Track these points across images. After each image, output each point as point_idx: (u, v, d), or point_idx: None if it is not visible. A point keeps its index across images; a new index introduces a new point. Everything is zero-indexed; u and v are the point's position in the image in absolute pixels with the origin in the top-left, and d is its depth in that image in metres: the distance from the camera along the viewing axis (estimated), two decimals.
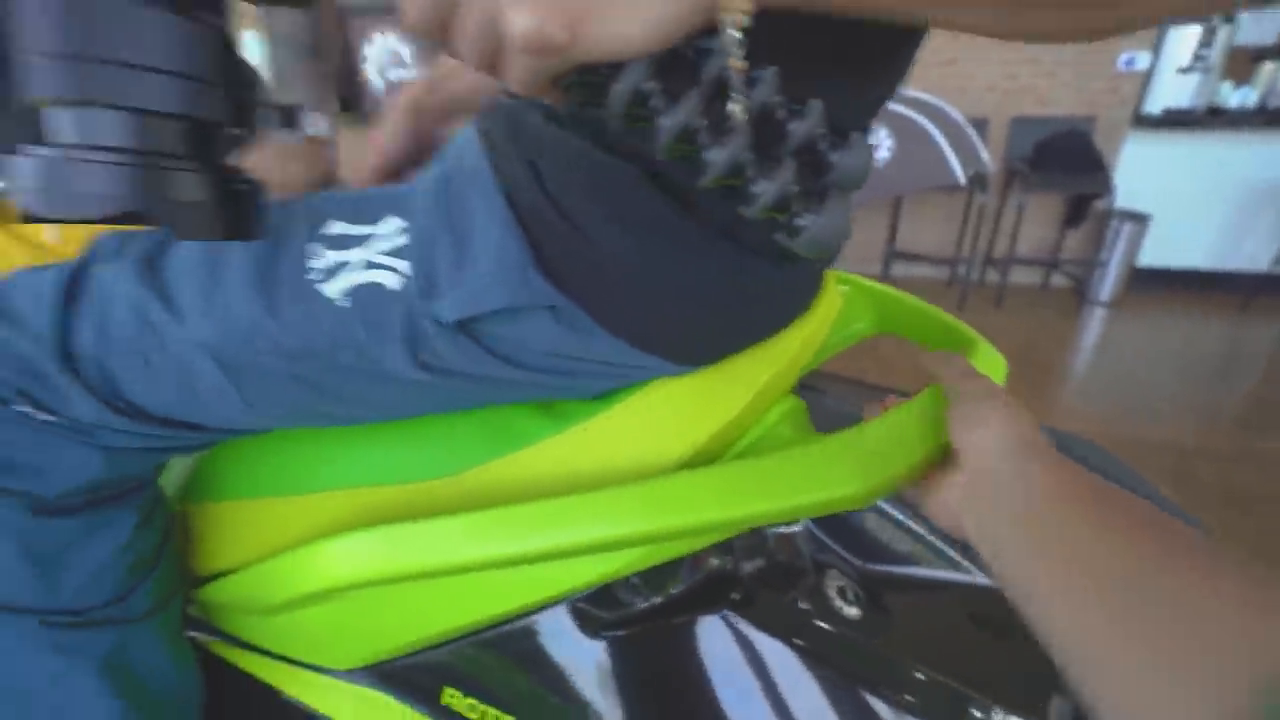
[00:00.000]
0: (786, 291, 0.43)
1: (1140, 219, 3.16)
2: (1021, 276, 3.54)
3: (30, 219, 0.28)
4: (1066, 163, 3.16)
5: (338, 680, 0.56)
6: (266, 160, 0.60)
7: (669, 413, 0.43)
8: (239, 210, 0.30)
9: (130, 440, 0.43)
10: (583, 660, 0.51)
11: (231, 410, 0.42)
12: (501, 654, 0.52)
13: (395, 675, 0.55)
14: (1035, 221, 3.40)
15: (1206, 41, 3.16)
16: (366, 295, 0.36)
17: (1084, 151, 3.16)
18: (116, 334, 0.38)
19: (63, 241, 0.63)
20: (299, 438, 0.50)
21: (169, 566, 0.52)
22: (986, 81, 3.22)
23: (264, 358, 0.38)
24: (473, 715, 0.52)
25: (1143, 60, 3.11)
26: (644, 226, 0.35)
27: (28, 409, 0.40)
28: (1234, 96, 3.22)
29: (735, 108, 0.27)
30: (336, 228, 0.38)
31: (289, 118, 0.63)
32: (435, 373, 0.38)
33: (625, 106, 0.27)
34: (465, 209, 0.36)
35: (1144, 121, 3.22)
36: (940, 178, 2.95)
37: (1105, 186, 3.13)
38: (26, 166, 0.27)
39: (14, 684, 0.45)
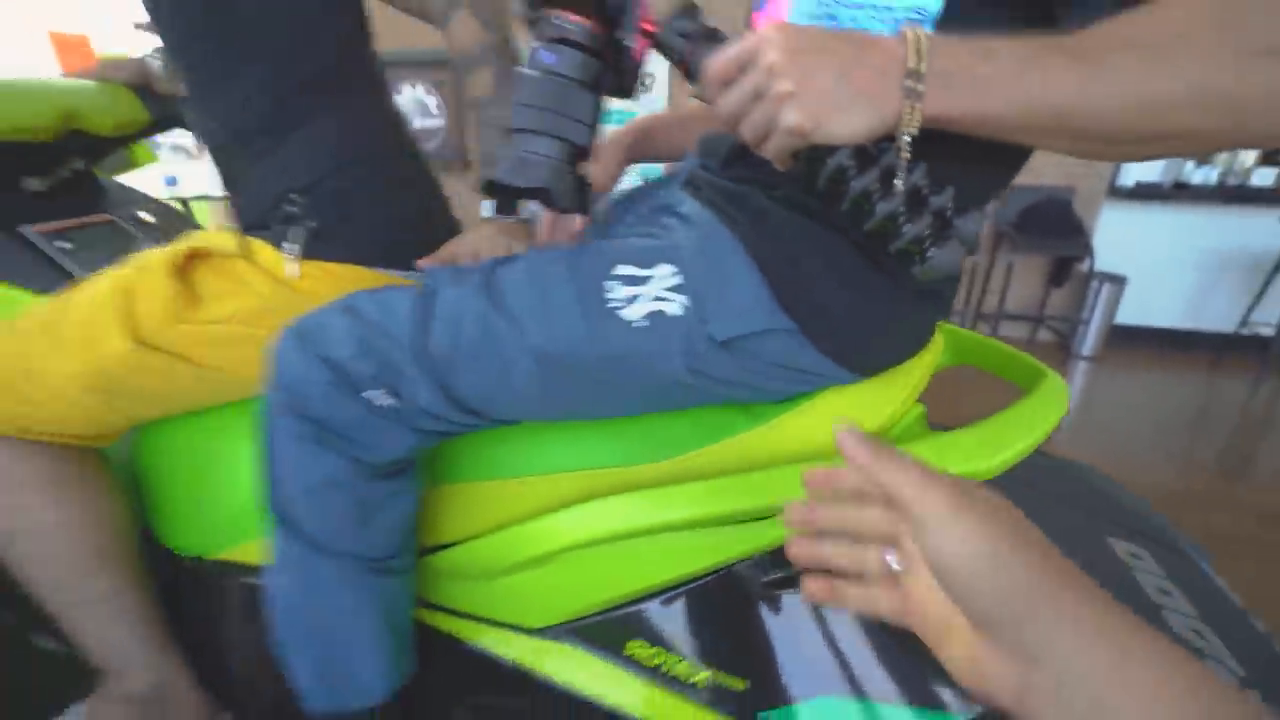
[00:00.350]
0: (926, 325, 0.58)
1: (1118, 280, 3.42)
2: (1010, 331, 3.78)
3: (492, 188, 0.47)
4: (1049, 228, 3.44)
5: (530, 636, 0.68)
6: (489, 235, 0.75)
7: (842, 412, 0.58)
8: (586, 198, 0.49)
9: (437, 424, 0.56)
10: (750, 614, 0.64)
11: (526, 403, 0.56)
12: (684, 608, 0.65)
13: (584, 630, 0.67)
14: (1022, 280, 3.66)
15: None
16: (657, 319, 0.51)
17: (1065, 218, 3.45)
18: (465, 339, 0.52)
19: (300, 277, 0.77)
20: (532, 430, 0.64)
21: (417, 533, 0.64)
22: None
23: (576, 361, 0.52)
24: (654, 663, 0.65)
25: None
26: (846, 275, 0.51)
27: (374, 394, 0.53)
28: (1197, 174, 3.55)
29: (898, 183, 0.43)
30: (625, 270, 0.53)
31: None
32: (698, 377, 0.53)
33: (832, 174, 0.44)
34: (721, 260, 0.52)
35: (1118, 193, 3.52)
36: None
37: (1085, 250, 3.40)
38: (504, 158, 0.46)
39: (318, 619, 0.57)
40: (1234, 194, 3.42)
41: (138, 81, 1.07)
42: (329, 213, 0.77)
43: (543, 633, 0.68)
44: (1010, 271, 3.41)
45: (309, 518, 0.55)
